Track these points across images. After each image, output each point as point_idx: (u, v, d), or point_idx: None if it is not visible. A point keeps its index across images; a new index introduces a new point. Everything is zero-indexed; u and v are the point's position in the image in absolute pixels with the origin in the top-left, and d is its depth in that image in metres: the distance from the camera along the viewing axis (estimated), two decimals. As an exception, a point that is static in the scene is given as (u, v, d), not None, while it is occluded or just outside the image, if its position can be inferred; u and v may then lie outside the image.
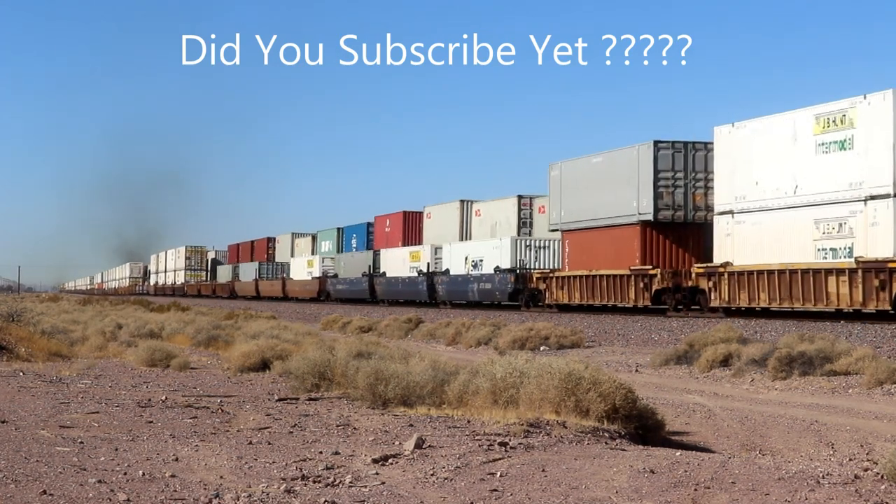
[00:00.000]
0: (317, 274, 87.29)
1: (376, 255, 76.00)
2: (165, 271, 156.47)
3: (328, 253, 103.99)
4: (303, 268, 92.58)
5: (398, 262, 70.73)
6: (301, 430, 11.40)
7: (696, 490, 8.21)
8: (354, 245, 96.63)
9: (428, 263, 65.10)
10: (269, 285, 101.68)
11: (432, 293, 64.34)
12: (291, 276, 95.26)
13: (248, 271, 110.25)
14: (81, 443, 10.37)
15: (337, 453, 9.85)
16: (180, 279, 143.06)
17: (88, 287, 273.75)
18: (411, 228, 75.14)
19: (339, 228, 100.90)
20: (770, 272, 35.75)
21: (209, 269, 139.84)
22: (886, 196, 31.58)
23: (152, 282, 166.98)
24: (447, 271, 62.43)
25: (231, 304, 79.53)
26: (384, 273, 72.80)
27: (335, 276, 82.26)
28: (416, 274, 66.82)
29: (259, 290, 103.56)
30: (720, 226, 38.71)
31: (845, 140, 33.17)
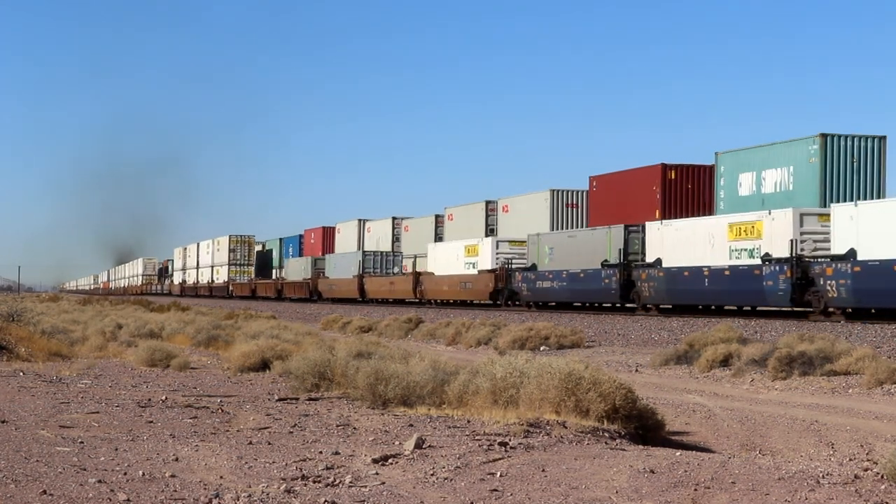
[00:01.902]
0: (487, 265, 56.61)
1: (633, 231, 44.58)
2: (198, 267, 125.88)
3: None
4: (454, 255, 61.39)
5: (697, 243, 40.45)
6: (301, 430, 11.40)
7: (696, 490, 8.21)
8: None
9: (793, 241, 35.83)
10: (387, 284, 70.75)
11: (798, 294, 35.69)
12: (431, 268, 65.22)
13: (344, 264, 78.42)
14: (81, 443, 10.37)
15: (337, 453, 9.85)
16: (222, 276, 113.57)
17: (92, 287, 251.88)
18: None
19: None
20: None
21: (258, 263, 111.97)
22: None
23: (177, 280, 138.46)
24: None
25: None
26: (657, 262, 42.26)
27: (531, 267, 51.74)
28: (754, 262, 37.67)
29: (365, 290, 73.27)
30: None
31: None
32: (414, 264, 70.49)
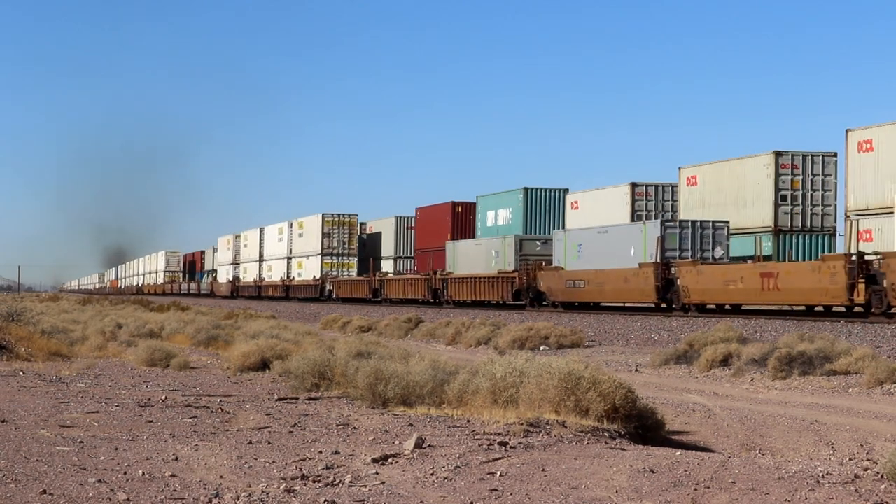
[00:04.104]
0: None
1: None
2: (261, 260, 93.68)
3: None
4: None
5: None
6: (301, 429, 11.40)
7: (696, 490, 8.21)
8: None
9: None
10: (752, 277, 36.50)
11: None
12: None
13: (605, 244, 45.15)
14: (81, 442, 10.37)
15: (337, 453, 9.85)
16: (310, 271, 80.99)
17: (97, 286, 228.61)
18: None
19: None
20: None
21: (360, 250, 79.71)
22: None
23: (223, 276, 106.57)
24: None
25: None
26: None
27: None
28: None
29: (682, 290, 39.84)
30: None
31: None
32: (846, 236, 36.93)
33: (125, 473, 8.80)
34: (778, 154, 42.43)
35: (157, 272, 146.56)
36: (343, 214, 79.87)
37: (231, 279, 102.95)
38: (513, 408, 11.95)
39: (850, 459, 11.42)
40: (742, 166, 44.27)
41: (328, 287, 77.01)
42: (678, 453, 9.81)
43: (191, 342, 28.11)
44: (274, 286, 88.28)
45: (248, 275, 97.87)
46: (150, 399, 14.36)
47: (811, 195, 42.36)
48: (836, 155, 41.25)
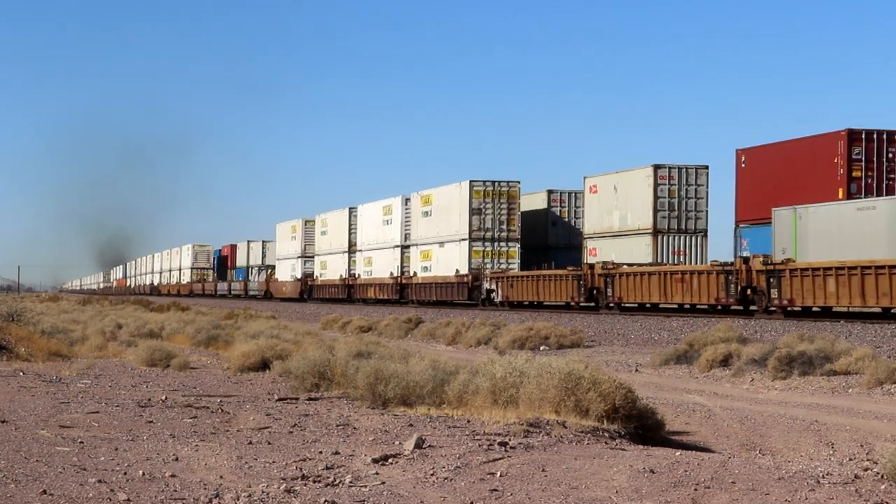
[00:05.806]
0: None
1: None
2: (352, 251, 72.13)
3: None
4: None
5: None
6: (301, 430, 11.40)
7: (696, 490, 8.21)
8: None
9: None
10: None
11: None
12: None
13: None
14: (81, 443, 10.37)
15: (337, 453, 9.85)
16: (449, 262, 57.29)
17: (102, 286, 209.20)
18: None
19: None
20: None
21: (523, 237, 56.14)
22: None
23: (285, 273, 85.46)
24: None
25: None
26: None
27: None
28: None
29: None
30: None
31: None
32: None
33: (125, 474, 8.80)
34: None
35: (180, 269, 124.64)
36: (499, 182, 56.25)
37: (300, 276, 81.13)
38: (513, 408, 11.96)
39: (851, 460, 11.43)
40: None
41: (486, 286, 53.58)
42: (678, 453, 9.81)
43: (191, 342, 28.11)
44: (379, 285, 65.59)
45: (329, 270, 74.96)
46: (150, 399, 14.36)
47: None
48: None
